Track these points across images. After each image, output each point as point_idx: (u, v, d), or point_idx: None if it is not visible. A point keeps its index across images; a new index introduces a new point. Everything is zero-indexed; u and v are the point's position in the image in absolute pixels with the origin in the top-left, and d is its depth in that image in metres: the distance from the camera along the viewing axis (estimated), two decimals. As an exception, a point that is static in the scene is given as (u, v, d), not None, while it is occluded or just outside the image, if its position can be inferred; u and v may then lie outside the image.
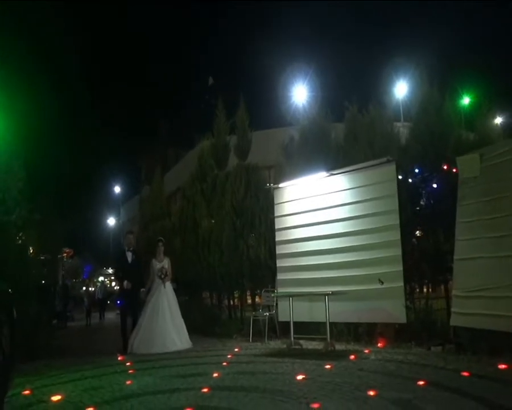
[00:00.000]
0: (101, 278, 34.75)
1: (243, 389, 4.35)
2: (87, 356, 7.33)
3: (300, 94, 16.96)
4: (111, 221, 39.36)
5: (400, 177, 7.19)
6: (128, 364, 6.01)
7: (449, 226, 6.59)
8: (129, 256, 7.74)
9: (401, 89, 18.83)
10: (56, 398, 4.42)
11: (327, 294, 6.57)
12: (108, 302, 24.47)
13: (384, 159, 7.16)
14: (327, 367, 5.21)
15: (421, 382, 4.24)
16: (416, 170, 7.43)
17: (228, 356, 6.27)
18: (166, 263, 7.90)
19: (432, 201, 7.20)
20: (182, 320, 7.73)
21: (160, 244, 8.13)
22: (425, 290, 7.54)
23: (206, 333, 8.92)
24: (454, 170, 6.67)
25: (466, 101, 21.71)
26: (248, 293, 10.25)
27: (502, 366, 4.85)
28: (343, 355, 5.95)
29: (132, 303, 7.63)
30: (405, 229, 7.02)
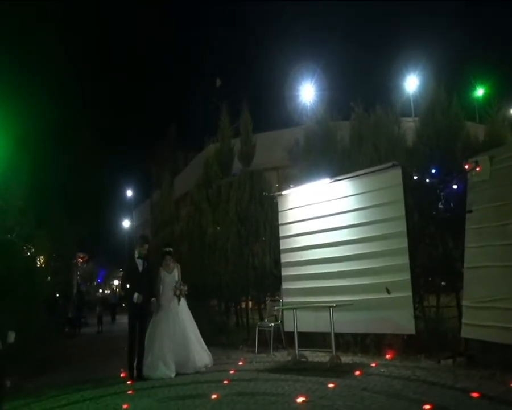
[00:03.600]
0: (116, 282, 35.06)
1: (240, 415, 4.21)
2: (92, 370, 7.30)
3: (307, 93, 16.71)
4: (126, 223, 39.69)
5: (415, 177, 6.83)
6: (129, 382, 5.93)
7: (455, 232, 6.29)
8: (139, 264, 6.59)
9: (411, 84, 18.39)
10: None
11: (331, 306, 6.35)
12: (124, 304, 24.75)
13: (390, 164, 6.91)
14: (331, 385, 5.02)
15: (427, 407, 4.01)
16: (433, 170, 6.94)
17: (231, 372, 6.13)
18: (176, 274, 6.97)
19: (452, 204, 6.74)
20: (200, 335, 6.97)
21: (168, 257, 7.05)
22: (436, 298, 7.24)
23: (212, 343, 8.73)
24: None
25: (480, 92, 21.14)
26: (253, 301, 10.09)
27: (515, 384, 4.60)
28: (349, 370, 5.75)
29: (142, 317, 6.46)
30: (413, 235, 6.76)
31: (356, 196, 7.30)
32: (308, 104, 12.57)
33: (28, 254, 9.83)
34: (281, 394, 4.83)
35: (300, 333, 7.19)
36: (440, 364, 5.77)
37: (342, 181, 7.52)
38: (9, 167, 7.54)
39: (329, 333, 6.61)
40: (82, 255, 21.40)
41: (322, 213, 7.67)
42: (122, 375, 6.42)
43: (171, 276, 6.96)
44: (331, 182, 7.64)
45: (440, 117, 7.10)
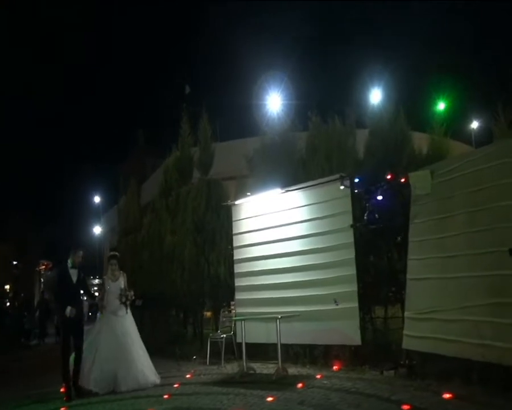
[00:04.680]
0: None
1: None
2: (35, 385, 7.05)
3: (274, 102, 16.84)
4: (97, 229, 38.77)
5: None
6: (64, 399, 5.72)
7: (399, 243, 6.41)
8: (74, 275, 6.18)
9: (375, 96, 18.85)
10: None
11: (278, 318, 6.35)
12: (90, 313, 23.99)
13: (337, 175, 7.00)
14: (269, 399, 4.99)
15: (356, 421, 4.05)
16: (356, 180, 6.64)
17: (175, 386, 6.03)
18: (122, 282, 6.65)
19: (376, 216, 6.57)
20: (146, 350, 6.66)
21: (114, 262, 6.76)
22: (383, 309, 7.34)
23: (166, 353, 8.64)
24: (402, 180, 6.37)
25: (441, 106, 21.88)
26: (211, 312, 10.01)
27: (447, 395, 4.69)
28: (292, 382, 5.74)
29: (76, 332, 6.10)
30: (361, 245, 6.84)
31: (307, 206, 7.35)
32: (275, 113, 12.71)
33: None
34: (218, 409, 4.78)
35: (252, 345, 7.18)
36: (382, 375, 5.84)
37: (293, 192, 7.57)
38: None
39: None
40: (45, 263, 20.66)
41: (274, 224, 7.68)
42: (62, 390, 6.19)
43: (116, 284, 6.63)
44: (283, 193, 7.68)
45: (387, 130, 7.27)
